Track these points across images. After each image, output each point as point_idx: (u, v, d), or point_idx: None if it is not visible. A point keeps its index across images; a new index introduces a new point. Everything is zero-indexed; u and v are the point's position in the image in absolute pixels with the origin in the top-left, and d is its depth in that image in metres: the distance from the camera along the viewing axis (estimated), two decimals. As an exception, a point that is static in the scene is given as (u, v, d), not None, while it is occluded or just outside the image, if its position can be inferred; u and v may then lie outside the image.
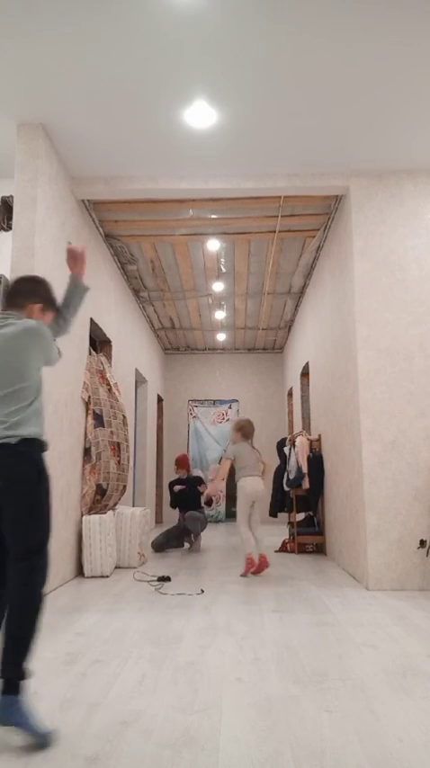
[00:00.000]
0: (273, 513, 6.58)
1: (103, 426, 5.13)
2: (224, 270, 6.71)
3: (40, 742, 1.72)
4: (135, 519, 5.18)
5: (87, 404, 5.08)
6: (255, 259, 6.40)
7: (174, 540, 6.31)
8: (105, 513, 4.98)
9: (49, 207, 4.12)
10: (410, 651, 2.68)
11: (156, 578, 4.52)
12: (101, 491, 4.97)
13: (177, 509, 6.65)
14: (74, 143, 4.19)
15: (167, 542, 6.23)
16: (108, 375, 5.46)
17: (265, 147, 4.26)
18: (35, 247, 3.85)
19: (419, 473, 4.20)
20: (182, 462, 6.66)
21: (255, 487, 4.81)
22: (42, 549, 1.98)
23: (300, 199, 4.95)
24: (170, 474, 10.28)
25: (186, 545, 6.50)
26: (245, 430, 5.08)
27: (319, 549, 6.07)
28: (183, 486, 6.54)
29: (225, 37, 3.17)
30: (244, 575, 4.61)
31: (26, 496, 1.93)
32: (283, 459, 6.53)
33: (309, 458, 6.01)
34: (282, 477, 6.46)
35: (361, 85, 3.57)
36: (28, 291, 2.27)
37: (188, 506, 6.46)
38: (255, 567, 4.63)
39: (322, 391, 6.01)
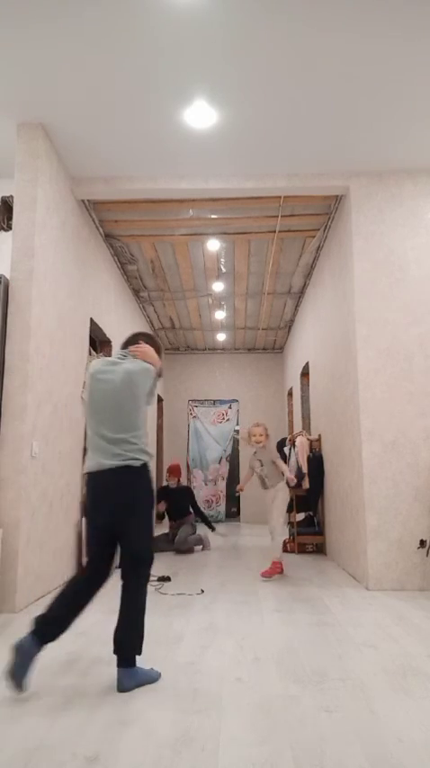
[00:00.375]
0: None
1: (103, 426, 5.12)
2: (224, 270, 6.71)
3: (156, 679, 2.30)
4: (135, 519, 5.18)
5: (87, 404, 5.07)
6: (255, 259, 6.40)
7: (164, 544, 6.27)
8: (105, 513, 4.97)
9: (49, 207, 4.12)
10: (410, 651, 2.68)
11: (156, 578, 4.52)
12: (101, 491, 4.96)
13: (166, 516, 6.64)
14: (74, 143, 4.19)
15: (157, 545, 6.24)
16: (108, 375, 5.45)
17: (265, 147, 4.26)
18: (35, 247, 3.85)
19: (419, 473, 4.20)
20: (174, 471, 6.57)
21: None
22: (146, 555, 2.37)
23: (300, 199, 4.95)
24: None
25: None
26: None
27: (319, 549, 6.07)
28: (166, 504, 6.51)
29: (225, 37, 3.17)
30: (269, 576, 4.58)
31: (141, 513, 2.35)
32: (283, 459, 6.53)
33: (308, 458, 6.01)
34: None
35: (361, 85, 3.57)
36: (145, 341, 2.68)
37: (178, 516, 6.43)
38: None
39: (322, 391, 6.01)
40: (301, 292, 7.41)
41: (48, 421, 4.03)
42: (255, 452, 4.82)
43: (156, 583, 4.37)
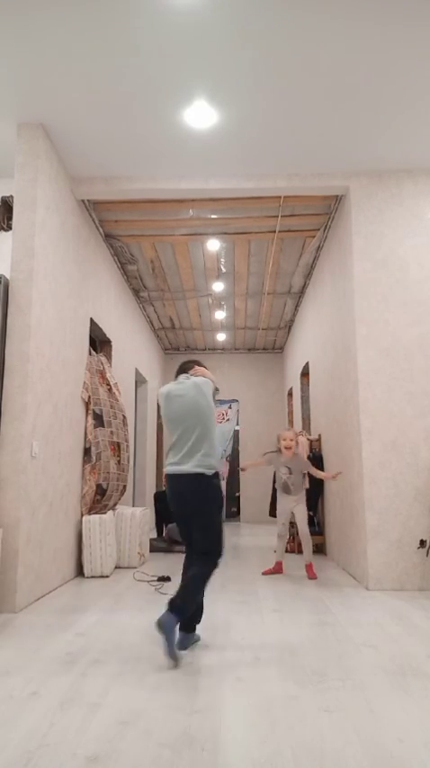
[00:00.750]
0: (273, 513, 6.57)
1: (103, 426, 5.13)
2: (224, 270, 6.71)
3: (198, 640, 2.85)
4: (135, 519, 5.19)
5: (87, 404, 5.08)
6: (255, 259, 6.40)
7: (165, 543, 6.31)
8: (105, 513, 4.98)
9: (49, 207, 4.12)
10: (410, 651, 2.68)
11: (156, 578, 4.52)
12: (101, 491, 4.97)
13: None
14: (74, 143, 4.19)
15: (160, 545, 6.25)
16: (108, 375, 5.46)
17: (265, 147, 4.26)
18: (35, 247, 3.85)
19: (419, 473, 4.20)
20: None
21: None
22: (215, 549, 2.77)
23: (300, 199, 4.95)
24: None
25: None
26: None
27: (319, 549, 6.07)
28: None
29: (225, 37, 3.17)
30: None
31: (212, 515, 2.78)
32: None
33: (308, 458, 6.01)
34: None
35: (361, 85, 3.57)
36: (197, 365, 3.14)
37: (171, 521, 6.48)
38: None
39: (322, 391, 6.01)
40: (301, 292, 7.41)
41: (48, 421, 4.03)
42: (282, 458, 4.70)
43: (156, 583, 4.37)
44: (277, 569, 4.75)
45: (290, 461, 4.69)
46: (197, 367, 3.11)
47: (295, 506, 4.70)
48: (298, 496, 4.70)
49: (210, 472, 2.79)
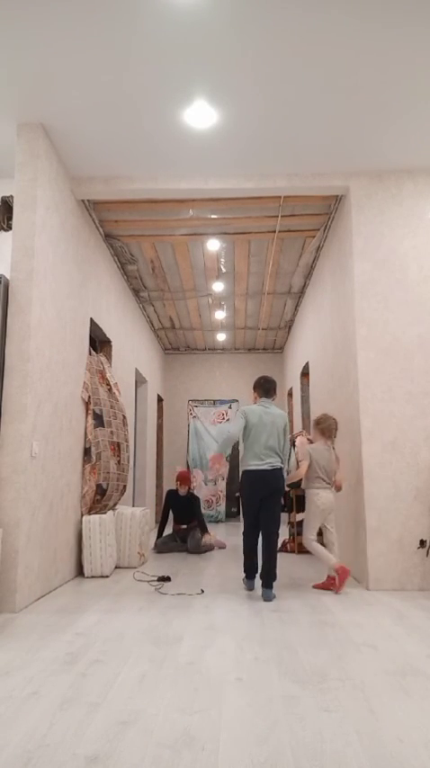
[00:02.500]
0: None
1: (103, 426, 5.13)
2: (224, 270, 6.71)
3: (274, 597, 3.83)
4: (135, 519, 5.19)
5: (87, 404, 5.08)
6: (255, 259, 6.40)
7: (172, 543, 6.29)
8: (105, 513, 4.98)
9: (49, 207, 4.12)
10: (410, 651, 2.68)
11: (156, 578, 4.52)
12: (101, 491, 4.97)
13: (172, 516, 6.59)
14: (74, 143, 4.19)
15: (167, 545, 6.22)
16: (108, 375, 5.46)
17: (265, 147, 4.26)
18: (35, 247, 3.85)
19: (419, 473, 4.20)
20: (184, 480, 6.36)
21: (329, 499, 4.27)
22: (280, 524, 4.02)
23: (300, 199, 4.95)
24: (170, 474, 10.28)
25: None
26: (322, 425, 4.40)
27: (319, 549, 6.06)
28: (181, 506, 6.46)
29: (225, 37, 3.17)
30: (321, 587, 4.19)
31: (279, 499, 4.05)
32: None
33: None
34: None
35: (361, 85, 3.57)
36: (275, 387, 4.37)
37: (184, 521, 6.40)
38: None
39: (322, 391, 6.01)
40: (301, 292, 7.41)
41: (48, 421, 4.03)
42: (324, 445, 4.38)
43: (156, 583, 4.37)
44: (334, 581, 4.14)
45: (328, 449, 4.35)
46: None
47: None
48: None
49: (280, 467, 4.09)
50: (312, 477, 4.29)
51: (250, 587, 4.11)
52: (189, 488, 6.47)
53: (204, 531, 6.27)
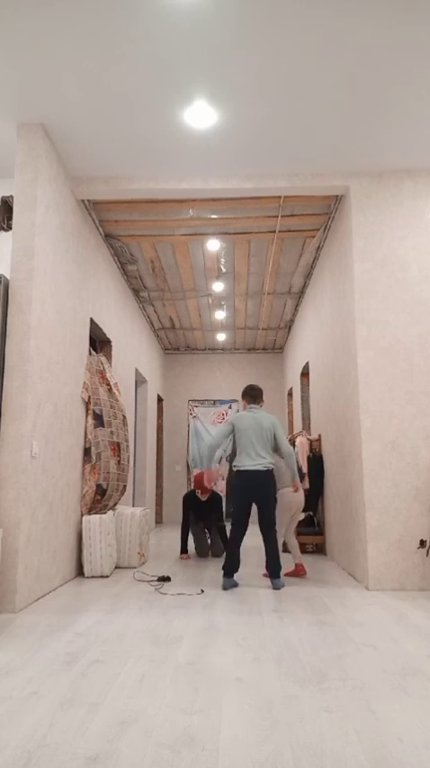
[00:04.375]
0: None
1: (103, 426, 5.13)
2: (224, 270, 6.71)
3: (282, 586, 4.15)
4: (135, 519, 5.18)
5: (87, 404, 5.08)
6: (255, 259, 6.40)
7: (206, 545, 5.92)
8: (105, 513, 4.98)
9: (49, 207, 4.12)
10: (410, 651, 2.68)
11: (156, 578, 4.52)
12: (101, 491, 4.97)
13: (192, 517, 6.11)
14: (74, 143, 4.19)
15: (203, 549, 5.88)
16: (108, 375, 5.46)
17: (265, 147, 4.26)
18: (35, 247, 3.85)
19: (419, 473, 4.20)
20: (200, 485, 5.82)
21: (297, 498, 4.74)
22: (275, 520, 4.29)
23: (300, 199, 4.95)
24: (170, 474, 10.28)
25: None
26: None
27: (319, 549, 6.07)
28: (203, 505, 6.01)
29: (225, 37, 3.17)
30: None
31: (272, 496, 4.27)
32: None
33: (308, 458, 6.01)
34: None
35: (361, 85, 3.57)
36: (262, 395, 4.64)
37: (208, 519, 5.97)
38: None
39: (322, 391, 6.01)
40: (301, 292, 7.41)
41: (48, 421, 4.03)
42: None
43: (156, 583, 4.37)
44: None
45: None
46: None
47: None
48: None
49: (271, 468, 4.32)
50: (284, 478, 4.75)
51: (228, 585, 4.16)
52: (209, 493, 5.91)
53: (224, 536, 5.85)
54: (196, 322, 8.81)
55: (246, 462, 4.26)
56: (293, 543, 4.73)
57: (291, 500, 4.68)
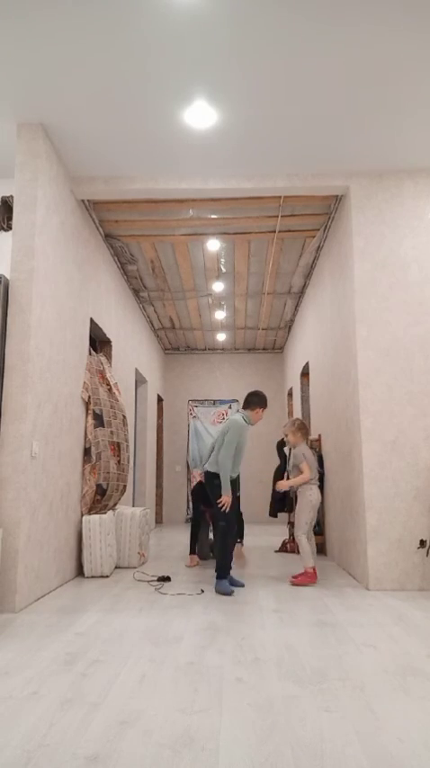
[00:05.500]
0: (273, 513, 6.57)
1: (103, 426, 5.13)
2: (224, 270, 6.71)
3: (228, 593, 3.96)
4: (135, 519, 5.18)
5: (87, 404, 5.08)
6: (255, 259, 6.40)
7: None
8: (105, 513, 4.98)
9: (49, 207, 4.12)
10: (410, 651, 2.68)
11: (156, 578, 4.52)
12: (101, 491, 4.97)
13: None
14: (74, 143, 4.19)
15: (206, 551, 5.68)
16: (108, 375, 5.46)
17: (265, 147, 4.26)
18: (35, 247, 3.85)
19: (419, 473, 4.20)
20: None
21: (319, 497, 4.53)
22: (223, 519, 4.18)
23: (300, 199, 4.95)
24: (170, 474, 10.28)
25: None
26: (305, 430, 4.73)
27: (319, 549, 6.07)
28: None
29: (225, 37, 3.17)
30: (297, 584, 4.30)
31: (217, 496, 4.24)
32: (283, 459, 6.54)
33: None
34: (282, 478, 6.45)
35: (361, 85, 3.57)
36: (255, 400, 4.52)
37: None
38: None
39: (322, 391, 6.01)
40: (301, 292, 7.41)
41: (48, 421, 4.03)
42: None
43: (156, 583, 4.37)
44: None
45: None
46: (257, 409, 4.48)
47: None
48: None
49: (213, 470, 4.30)
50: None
51: (233, 588, 4.09)
52: None
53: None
54: (196, 322, 8.81)
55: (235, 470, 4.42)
56: (306, 547, 4.36)
57: (311, 498, 4.42)
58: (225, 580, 4.07)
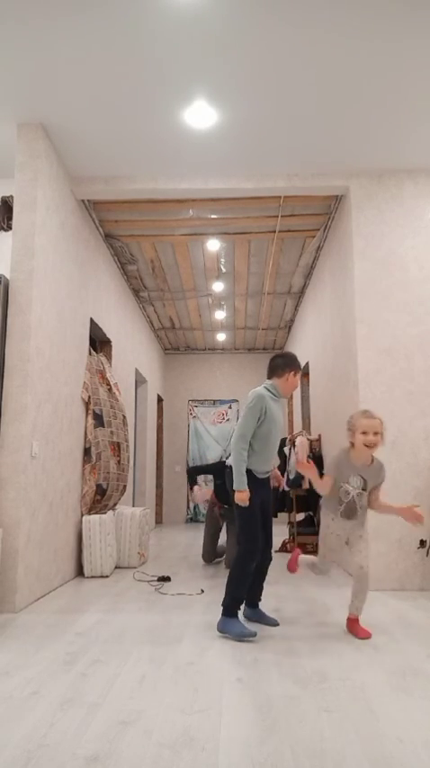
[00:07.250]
0: (273, 513, 6.57)
1: (103, 426, 5.13)
2: (224, 270, 6.71)
3: (239, 635, 2.88)
4: (135, 519, 5.18)
5: (87, 404, 5.08)
6: (255, 259, 6.40)
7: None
8: (105, 513, 4.98)
9: (49, 207, 4.12)
10: (410, 651, 2.68)
11: (156, 578, 4.52)
12: (101, 491, 4.97)
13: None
14: (74, 143, 4.19)
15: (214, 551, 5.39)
16: (108, 375, 5.46)
17: (265, 147, 4.26)
18: (35, 247, 3.85)
19: (419, 473, 4.20)
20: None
21: None
22: (243, 538, 3.02)
23: (300, 199, 4.95)
24: (170, 474, 10.28)
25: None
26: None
27: (319, 549, 6.06)
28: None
29: (225, 37, 3.16)
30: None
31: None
32: (283, 459, 6.54)
33: (308, 458, 6.01)
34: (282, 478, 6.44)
35: (361, 85, 3.57)
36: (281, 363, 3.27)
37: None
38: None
39: (322, 391, 6.01)
40: (301, 292, 7.41)
41: (48, 421, 4.03)
42: (354, 463, 2.92)
43: (156, 583, 4.37)
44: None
45: (368, 471, 2.93)
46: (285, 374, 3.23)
47: (354, 534, 3.06)
48: (361, 521, 3.06)
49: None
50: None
51: (251, 625, 3.13)
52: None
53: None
54: (196, 322, 8.81)
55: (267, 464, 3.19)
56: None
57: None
58: (234, 619, 2.93)
